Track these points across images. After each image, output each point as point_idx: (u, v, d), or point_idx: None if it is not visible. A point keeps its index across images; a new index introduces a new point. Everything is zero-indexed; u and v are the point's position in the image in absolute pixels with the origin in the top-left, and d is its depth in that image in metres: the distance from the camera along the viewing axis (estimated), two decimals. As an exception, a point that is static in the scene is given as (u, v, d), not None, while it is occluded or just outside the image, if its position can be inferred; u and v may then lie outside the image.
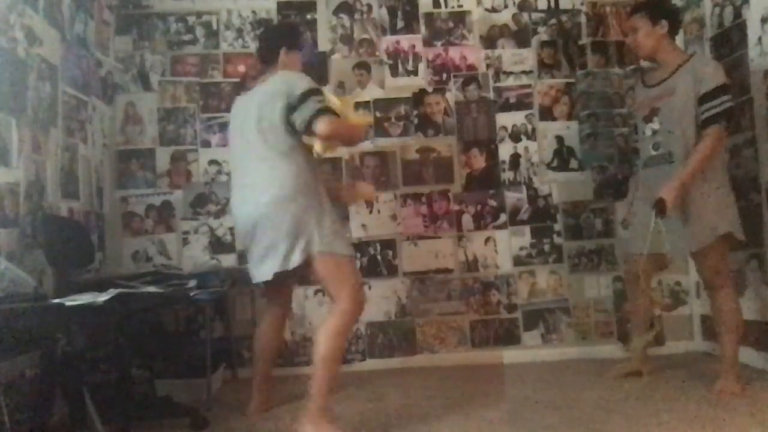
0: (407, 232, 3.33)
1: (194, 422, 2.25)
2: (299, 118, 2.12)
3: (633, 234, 2.75)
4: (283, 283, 2.36)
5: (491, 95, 3.43)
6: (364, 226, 3.29)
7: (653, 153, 2.58)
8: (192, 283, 2.68)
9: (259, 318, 2.60)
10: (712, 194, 2.44)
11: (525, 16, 3.48)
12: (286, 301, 2.60)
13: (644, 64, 2.93)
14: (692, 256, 2.60)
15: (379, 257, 3.29)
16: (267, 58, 2.40)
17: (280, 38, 2.42)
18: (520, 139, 3.40)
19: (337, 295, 2.16)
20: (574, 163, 3.39)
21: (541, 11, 3.49)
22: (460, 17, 3.48)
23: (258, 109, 2.19)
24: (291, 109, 2.13)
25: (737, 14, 2.86)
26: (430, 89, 3.43)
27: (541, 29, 3.47)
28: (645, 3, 2.63)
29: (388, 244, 3.32)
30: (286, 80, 2.20)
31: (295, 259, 2.11)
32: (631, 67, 3.42)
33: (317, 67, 3.28)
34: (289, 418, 2.37)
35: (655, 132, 2.57)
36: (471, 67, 3.45)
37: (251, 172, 2.20)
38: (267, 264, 2.15)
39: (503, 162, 3.39)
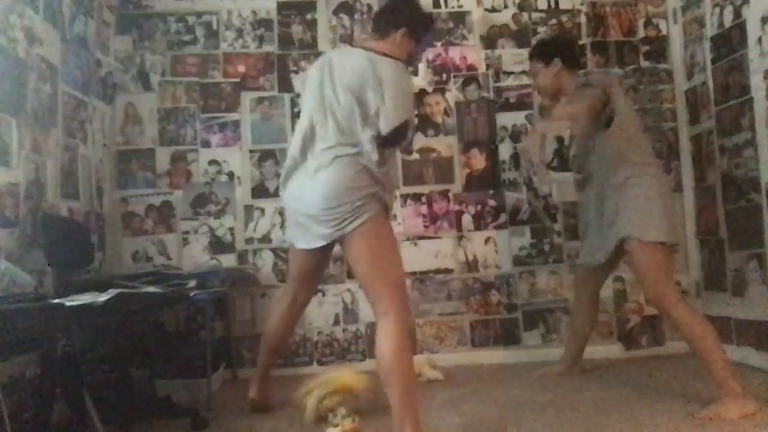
0: (407, 232, 3.33)
1: (194, 422, 2.25)
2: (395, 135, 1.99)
3: (585, 244, 2.71)
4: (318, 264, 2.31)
5: (491, 95, 3.43)
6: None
7: None
8: (192, 283, 2.68)
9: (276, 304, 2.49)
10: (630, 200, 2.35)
11: (525, 16, 3.49)
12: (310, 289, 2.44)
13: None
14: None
15: (379, 257, 3.28)
16: (381, 26, 2.16)
17: (409, 19, 2.16)
18: (520, 139, 3.40)
19: (377, 296, 1.92)
20: (574, 163, 3.40)
21: (541, 11, 3.49)
22: (460, 17, 3.48)
23: (356, 77, 1.99)
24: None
25: (737, 14, 2.85)
26: (430, 89, 3.43)
27: (541, 29, 3.48)
28: (535, 47, 2.79)
29: (388, 244, 3.32)
30: (396, 81, 1.97)
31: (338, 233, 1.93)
32: (631, 66, 3.43)
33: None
34: (289, 418, 2.37)
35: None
36: (471, 67, 3.45)
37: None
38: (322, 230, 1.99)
39: (503, 162, 3.39)
